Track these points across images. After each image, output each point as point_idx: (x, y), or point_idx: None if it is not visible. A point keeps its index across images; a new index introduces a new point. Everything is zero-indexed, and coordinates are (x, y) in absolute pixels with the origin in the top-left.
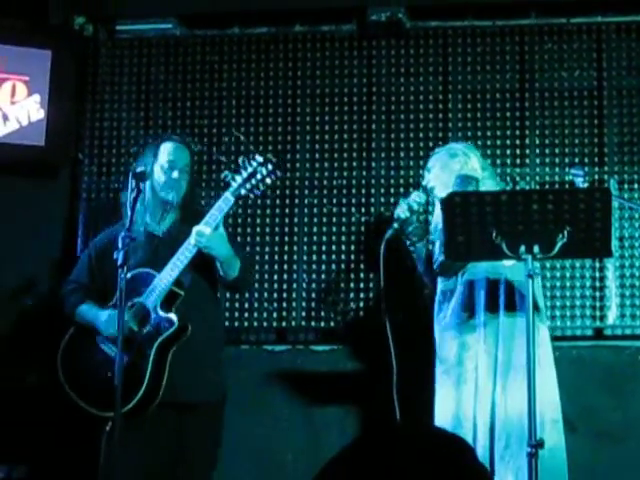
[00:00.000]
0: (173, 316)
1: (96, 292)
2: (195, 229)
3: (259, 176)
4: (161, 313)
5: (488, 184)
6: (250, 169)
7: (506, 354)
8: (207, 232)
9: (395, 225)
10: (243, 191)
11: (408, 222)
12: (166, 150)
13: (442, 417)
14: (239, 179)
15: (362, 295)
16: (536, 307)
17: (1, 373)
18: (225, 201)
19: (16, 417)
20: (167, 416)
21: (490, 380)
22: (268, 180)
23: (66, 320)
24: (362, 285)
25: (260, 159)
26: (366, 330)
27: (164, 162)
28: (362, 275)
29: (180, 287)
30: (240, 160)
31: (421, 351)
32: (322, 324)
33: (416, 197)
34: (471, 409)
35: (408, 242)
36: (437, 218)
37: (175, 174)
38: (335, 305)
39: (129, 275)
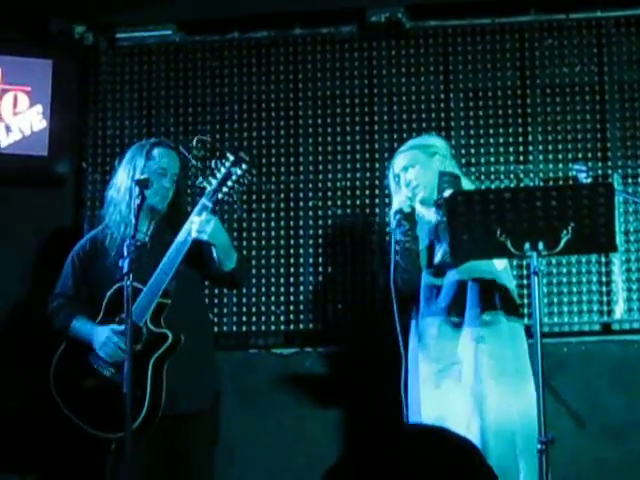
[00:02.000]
0: (166, 331)
1: (84, 303)
2: (196, 219)
3: (234, 177)
4: (153, 328)
5: (464, 181)
6: (224, 170)
7: (506, 357)
8: (210, 222)
9: (398, 217)
10: (220, 195)
11: (407, 217)
12: (159, 155)
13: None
14: (214, 183)
15: (368, 297)
16: (514, 305)
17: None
18: (203, 208)
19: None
20: (165, 427)
21: (478, 382)
22: (245, 180)
23: (56, 336)
24: (368, 287)
25: (232, 158)
26: (373, 331)
27: (156, 168)
28: (368, 277)
29: (166, 296)
30: (212, 163)
31: None
32: (329, 326)
33: (410, 193)
34: (460, 412)
35: (404, 238)
36: (429, 217)
37: (165, 182)
38: (342, 308)
39: (114, 289)
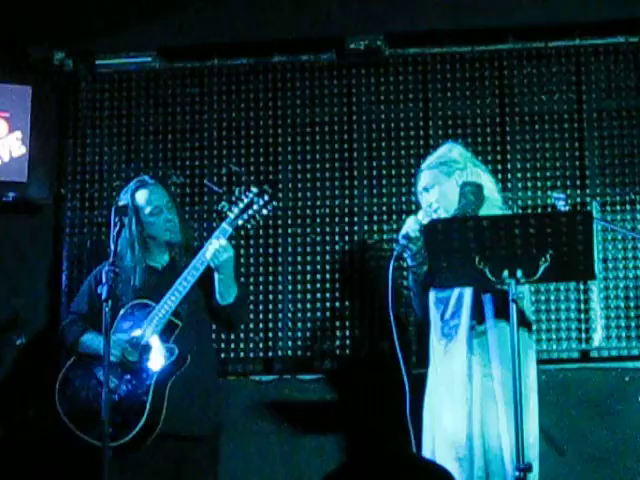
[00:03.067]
0: (173, 346)
1: (97, 321)
2: (214, 244)
3: (256, 207)
4: (161, 343)
5: (487, 182)
6: (247, 200)
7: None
8: (225, 249)
9: (403, 242)
10: (240, 222)
11: (414, 242)
12: (143, 198)
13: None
14: (236, 210)
15: (347, 324)
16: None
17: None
18: (223, 232)
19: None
20: (166, 447)
21: (488, 398)
22: (264, 211)
23: (67, 352)
24: (348, 313)
25: (256, 190)
26: (352, 357)
27: (148, 211)
28: (347, 304)
29: (178, 317)
30: (237, 191)
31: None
32: (308, 353)
33: (425, 215)
34: (465, 429)
35: (411, 262)
36: None
37: (165, 215)
38: (321, 335)
39: (128, 305)
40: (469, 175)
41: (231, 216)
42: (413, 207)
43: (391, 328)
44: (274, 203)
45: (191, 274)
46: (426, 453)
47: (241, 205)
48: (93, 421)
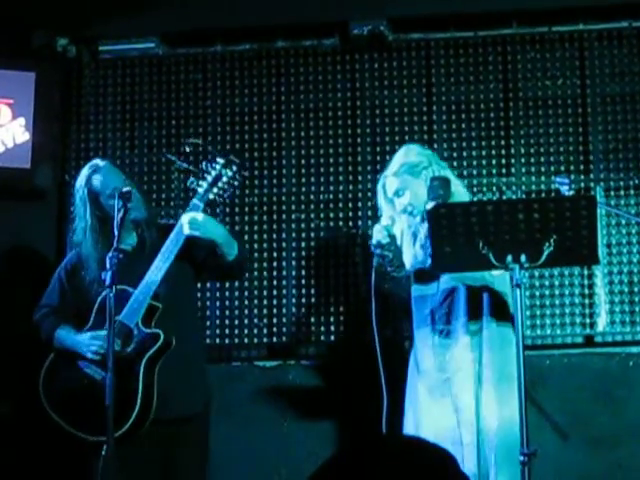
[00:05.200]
0: (157, 331)
1: (70, 314)
2: (186, 217)
3: (225, 178)
4: (144, 329)
5: (451, 177)
6: (214, 172)
7: (495, 364)
8: (200, 217)
9: (378, 251)
10: (211, 195)
11: (387, 248)
12: (99, 182)
13: (427, 431)
14: (204, 184)
15: (352, 308)
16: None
17: None
18: (194, 207)
19: None
20: (156, 432)
21: (473, 391)
22: (235, 182)
23: (44, 346)
24: (351, 299)
25: (222, 160)
26: (356, 343)
27: (107, 194)
28: (350, 290)
29: (157, 300)
30: (203, 165)
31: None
32: (312, 338)
33: (389, 220)
34: (454, 422)
35: (390, 269)
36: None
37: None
38: (325, 318)
39: (103, 294)
40: (435, 171)
41: (200, 191)
42: None
43: (374, 343)
44: (244, 173)
45: (166, 255)
46: None
47: (209, 178)
48: (82, 415)
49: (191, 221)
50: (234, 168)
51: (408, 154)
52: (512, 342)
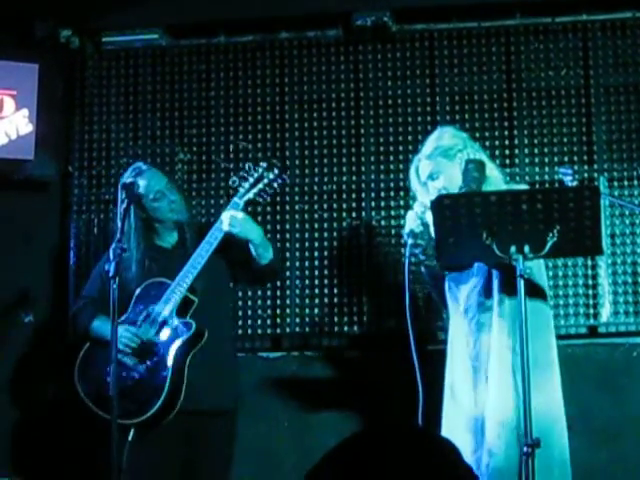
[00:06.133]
0: (190, 321)
1: (108, 306)
2: (226, 214)
3: (266, 180)
4: (177, 318)
5: (488, 164)
6: (257, 174)
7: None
8: (239, 216)
9: (411, 241)
10: (251, 195)
11: (421, 236)
12: (143, 186)
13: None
14: (246, 184)
15: (355, 300)
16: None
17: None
18: (234, 205)
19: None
20: (186, 422)
21: (507, 379)
22: (275, 184)
23: (80, 338)
24: (355, 290)
25: (265, 164)
26: (360, 334)
27: (151, 198)
28: (355, 280)
29: (194, 294)
30: (246, 166)
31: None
32: (317, 330)
33: (422, 207)
34: (485, 410)
35: (423, 257)
36: None
37: (169, 196)
38: (329, 312)
39: (143, 285)
40: (470, 154)
41: (242, 190)
42: None
43: (408, 334)
44: (284, 177)
45: (204, 249)
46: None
47: (251, 179)
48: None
49: (231, 218)
50: (275, 171)
51: (442, 136)
52: (547, 328)
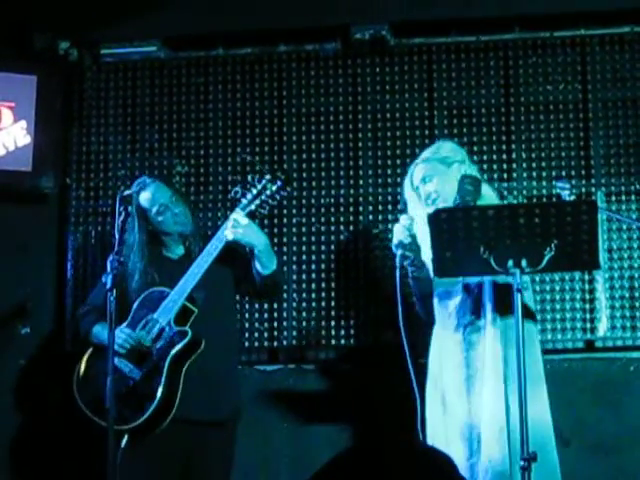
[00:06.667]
0: (186, 329)
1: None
2: (232, 217)
3: (268, 192)
4: (174, 327)
5: (485, 186)
6: (259, 186)
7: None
8: (244, 222)
9: (400, 252)
10: (253, 207)
11: (409, 247)
12: (147, 200)
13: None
14: (249, 195)
15: (352, 314)
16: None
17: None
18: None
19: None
20: (181, 431)
21: (498, 389)
22: (277, 197)
23: (81, 342)
24: (352, 303)
25: (269, 176)
26: (357, 347)
27: (155, 211)
28: (352, 294)
29: (194, 304)
30: (249, 177)
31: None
32: (313, 343)
33: (408, 219)
34: (477, 419)
35: (411, 269)
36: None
37: (173, 209)
38: (325, 325)
39: (144, 294)
40: (467, 170)
41: (244, 201)
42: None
43: (402, 344)
44: (288, 189)
45: (204, 259)
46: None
47: (254, 191)
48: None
49: (234, 221)
50: (279, 183)
51: (442, 146)
52: (534, 343)
